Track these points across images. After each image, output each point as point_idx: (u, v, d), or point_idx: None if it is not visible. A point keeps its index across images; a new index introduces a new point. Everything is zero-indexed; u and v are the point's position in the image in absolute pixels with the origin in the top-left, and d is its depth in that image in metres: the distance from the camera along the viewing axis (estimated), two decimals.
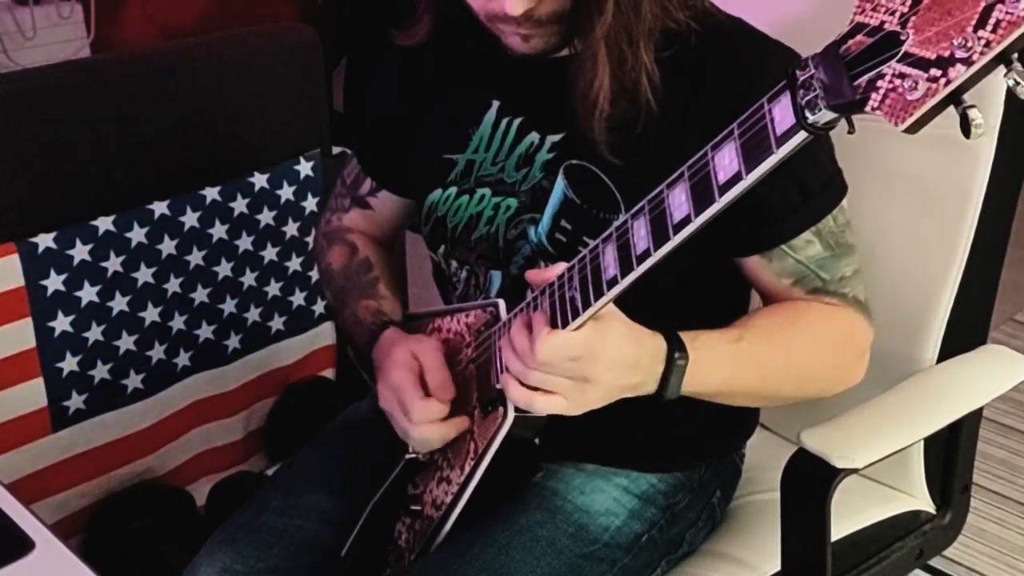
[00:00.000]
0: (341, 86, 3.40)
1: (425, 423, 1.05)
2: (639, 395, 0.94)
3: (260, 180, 1.80)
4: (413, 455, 1.12)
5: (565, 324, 0.89)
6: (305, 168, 1.85)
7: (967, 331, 1.27)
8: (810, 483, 1.05)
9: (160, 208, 1.68)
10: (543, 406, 0.92)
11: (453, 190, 1.14)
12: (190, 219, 1.72)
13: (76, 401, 1.67)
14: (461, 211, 1.13)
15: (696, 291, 1.07)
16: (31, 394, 1.61)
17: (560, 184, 1.06)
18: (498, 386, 1.00)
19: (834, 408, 1.11)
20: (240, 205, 1.78)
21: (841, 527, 1.19)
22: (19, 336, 1.58)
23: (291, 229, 1.87)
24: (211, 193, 1.74)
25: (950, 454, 1.30)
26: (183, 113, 1.71)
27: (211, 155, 1.76)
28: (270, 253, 1.86)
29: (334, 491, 1.19)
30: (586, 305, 0.87)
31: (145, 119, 1.67)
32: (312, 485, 1.20)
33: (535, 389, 0.92)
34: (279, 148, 1.84)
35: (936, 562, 1.89)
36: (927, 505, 1.33)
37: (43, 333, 1.60)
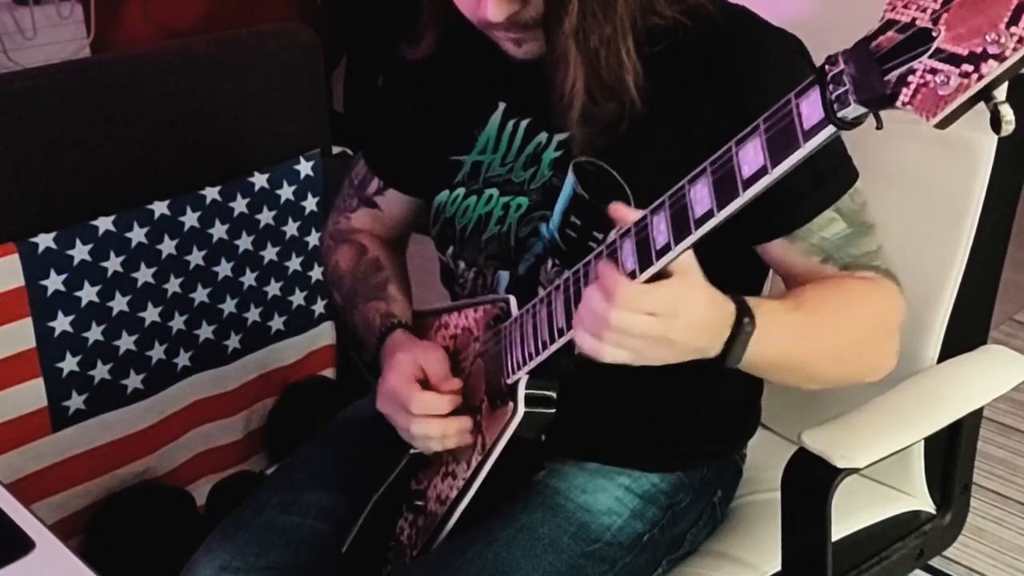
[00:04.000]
0: (341, 86, 3.40)
1: (424, 416, 1.05)
2: (702, 359, 0.89)
3: (260, 180, 1.80)
4: (417, 451, 1.12)
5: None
6: (305, 168, 1.85)
7: (967, 331, 1.27)
8: (811, 483, 1.05)
9: (160, 208, 1.68)
10: (611, 356, 0.86)
11: (461, 191, 1.14)
12: (190, 219, 1.72)
13: (76, 401, 1.67)
14: (470, 212, 1.14)
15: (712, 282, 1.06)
16: (31, 394, 1.61)
17: (570, 181, 1.06)
18: (508, 381, 1.00)
19: (835, 408, 1.11)
20: (240, 205, 1.78)
21: (841, 527, 1.19)
22: (19, 336, 1.58)
23: (291, 229, 1.87)
24: (211, 193, 1.74)
25: (950, 454, 1.30)
26: (183, 113, 1.71)
27: (211, 155, 1.76)
28: (270, 253, 1.86)
29: (334, 488, 1.19)
30: None
31: (145, 119, 1.67)
32: (312, 482, 1.20)
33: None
34: (279, 148, 1.84)
35: (936, 562, 1.89)
36: (927, 505, 1.33)
37: (43, 333, 1.60)
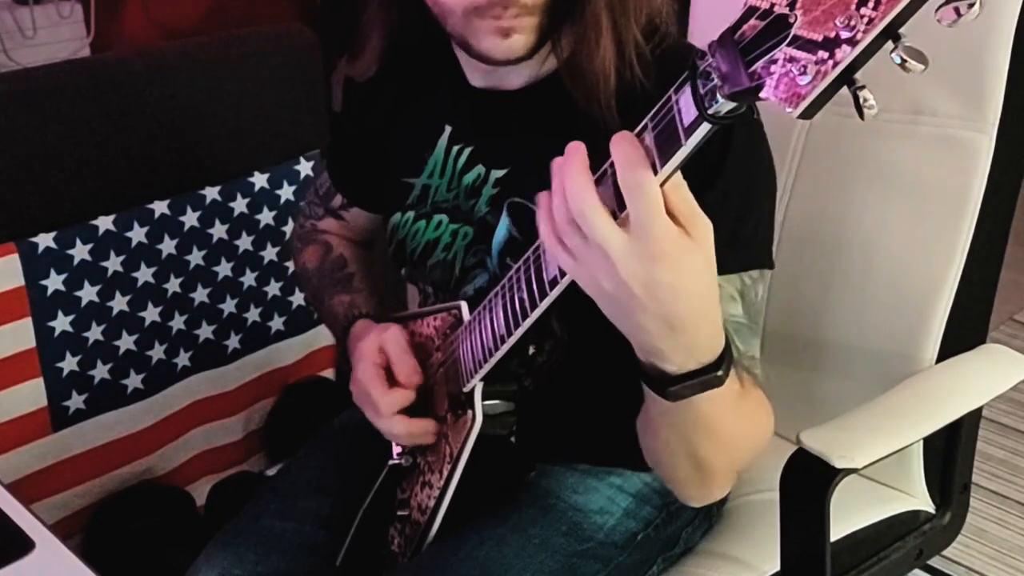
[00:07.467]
0: (341, 86, 3.40)
1: (391, 414, 1.04)
2: (660, 362, 0.78)
3: (260, 180, 1.80)
4: (396, 461, 1.12)
5: (517, 326, 0.88)
6: (305, 168, 1.85)
7: (966, 331, 1.27)
8: (809, 483, 1.05)
9: (160, 208, 1.68)
10: (564, 263, 0.76)
11: (411, 214, 1.13)
12: (190, 219, 1.72)
13: (76, 401, 1.67)
14: (419, 236, 1.13)
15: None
16: (31, 394, 1.61)
17: (504, 221, 1.05)
18: (465, 389, 1.00)
19: (833, 408, 1.11)
20: (240, 205, 1.78)
21: (840, 527, 1.19)
22: (19, 336, 1.58)
23: (291, 229, 1.87)
24: (211, 193, 1.74)
25: (950, 454, 1.30)
26: (183, 113, 1.71)
27: (211, 155, 1.76)
28: (270, 253, 1.87)
29: (332, 494, 1.19)
30: (533, 307, 0.85)
31: (145, 119, 1.67)
32: (310, 489, 1.20)
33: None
34: (279, 148, 1.84)
35: (936, 562, 1.89)
36: (927, 505, 1.33)
37: (43, 333, 1.60)
